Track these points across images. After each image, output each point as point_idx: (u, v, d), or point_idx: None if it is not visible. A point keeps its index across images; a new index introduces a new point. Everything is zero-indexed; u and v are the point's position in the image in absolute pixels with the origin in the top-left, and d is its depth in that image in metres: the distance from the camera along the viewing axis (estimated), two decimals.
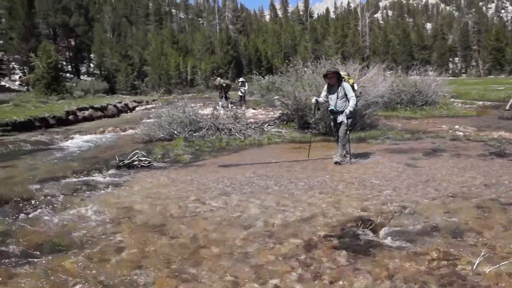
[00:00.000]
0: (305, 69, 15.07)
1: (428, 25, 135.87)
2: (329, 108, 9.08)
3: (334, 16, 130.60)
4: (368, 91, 14.18)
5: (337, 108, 8.83)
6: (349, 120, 8.80)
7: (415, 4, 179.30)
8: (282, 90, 16.00)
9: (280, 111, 16.85)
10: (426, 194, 6.25)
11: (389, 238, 4.62)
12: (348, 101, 8.70)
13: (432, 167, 8.13)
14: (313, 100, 9.47)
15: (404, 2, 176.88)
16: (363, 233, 4.80)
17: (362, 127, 13.52)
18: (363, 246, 4.46)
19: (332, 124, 9.62)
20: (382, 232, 4.80)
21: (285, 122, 15.44)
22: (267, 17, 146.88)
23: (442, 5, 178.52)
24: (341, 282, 3.70)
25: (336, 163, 8.69)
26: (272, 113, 20.35)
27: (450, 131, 13.47)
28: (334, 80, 8.82)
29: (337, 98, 8.79)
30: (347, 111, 8.65)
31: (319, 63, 15.08)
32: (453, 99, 25.11)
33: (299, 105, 13.80)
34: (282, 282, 3.77)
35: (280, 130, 14.14)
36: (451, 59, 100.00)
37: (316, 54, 47.54)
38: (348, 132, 8.88)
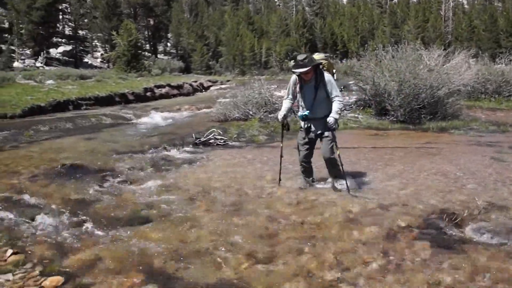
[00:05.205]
0: (385, 53, 14.52)
1: None
2: (300, 114, 5.90)
3: (415, 0, 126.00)
4: (452, 79, 13.52)
5: (314, 115, 5.77)
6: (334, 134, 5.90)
7: None
8: (360, 75, 15.50)
9: (356, 96, 16.43)
10: None
11: (476, 233, 4.36)
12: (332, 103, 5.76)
13: None
14: (280, 117, 6.14)
15: None
16: (447, 226, 4.55)
17: (443, 116, 12.89)
18: (448, 240, 4.24)
19: (303, 139, 6.09)
20: (468, 227, 4.52)
21: (361, 108, 15.00)
22: (345, 0, 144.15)
23: None
24: (425, 276, 3.53)
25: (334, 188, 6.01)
26: (347, 97, 19.89)
27: None
28: (310, 75, 5.63)
29: (315, 98, 5.72)
30: (331, 119, 5.63)
31: (400, 47, 14.49)
32: None
33: (378, 90, 13.34)
34: (364, 271, 3.65)
35: (356, 115, 13.78)
36: None
37: (395, 39, 46.08)
38: (337, 150, 5.93)
